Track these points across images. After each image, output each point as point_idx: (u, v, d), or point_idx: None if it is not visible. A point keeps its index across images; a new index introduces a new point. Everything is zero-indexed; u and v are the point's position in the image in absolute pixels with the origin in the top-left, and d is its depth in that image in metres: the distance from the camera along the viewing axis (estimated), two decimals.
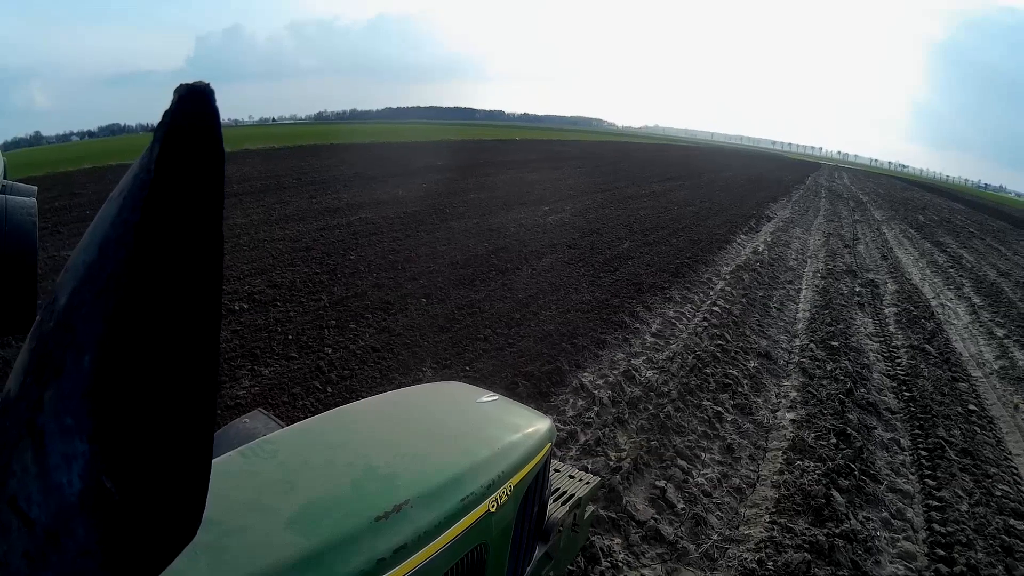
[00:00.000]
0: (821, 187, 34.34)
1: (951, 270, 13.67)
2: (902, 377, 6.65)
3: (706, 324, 7.20)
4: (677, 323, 7.32)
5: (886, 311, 9.41)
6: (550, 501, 2.19)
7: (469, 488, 1.48)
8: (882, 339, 7.95)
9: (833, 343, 7.15)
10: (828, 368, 6.41)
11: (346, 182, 16.65)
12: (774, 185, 29.70)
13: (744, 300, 8.52)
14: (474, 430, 1.84)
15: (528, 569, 1.92)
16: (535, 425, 1.92)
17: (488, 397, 2.05)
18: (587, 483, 2.51)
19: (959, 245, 17.96)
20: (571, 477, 2.54)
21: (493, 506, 1.53)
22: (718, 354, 6.35)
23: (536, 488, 1.87)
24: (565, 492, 2.39)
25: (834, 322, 8.12)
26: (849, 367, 6.50)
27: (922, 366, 6.98)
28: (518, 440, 1.78)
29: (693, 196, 20.66)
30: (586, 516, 2.49)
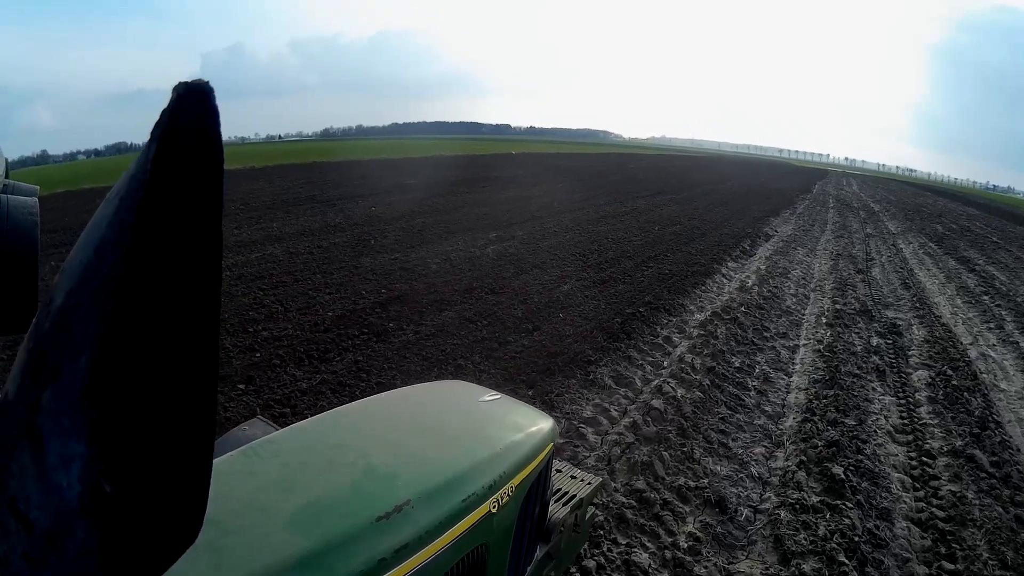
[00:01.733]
0: (829, 196, 31.46)
1: (985, 297, 10.87)
2: (941, 526, 3.98)
3: (633, 438, 4.49)
4: (587, 435, 4.62)
5: (915, 378, 6.66)
6: (552, 501, 2.12)
7: (470, 488, 1.44)
8: (910, 441, 5.22)
9: (835, 468, 4.39)
10: (822, 529, 3.71)
11: (289, 207, 14.51)
12: (776, 196, 26.89)
13: (709, 378, 5.83)
14: (476, 429, 1.78)
15: (529, 569, 1.87)
16: (537, 425, 1.86)
17: (490, 396, 1.99)
18: (589, 483, 2.40)
19: (987, 260, 15.11)
20: (573, 477, 2.43)
21: (494, 506, 1.50)
22: (630, 513, 3.67)
23: (538, 488, 1.81)
24: (567, 492, 2.30)
25: (841, 412, 5.40)
26: (858, 523, 3.80)
27: (972, 498, 4.30)
28: (520, 440, 1.73)
29: (682, 212, 17.97)
30: (587, 517, 2.41)
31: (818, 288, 10.28)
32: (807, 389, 5.96)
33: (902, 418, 5.65)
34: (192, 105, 0.40)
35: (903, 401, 6.00)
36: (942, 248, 16.60)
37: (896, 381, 6.50)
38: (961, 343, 8.02)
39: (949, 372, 6.76)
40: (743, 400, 5.61)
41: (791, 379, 6.29)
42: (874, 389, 6.23)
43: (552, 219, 14.81)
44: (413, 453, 1.56)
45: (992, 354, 7.88)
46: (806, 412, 5.41)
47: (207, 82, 0.41)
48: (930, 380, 6.58)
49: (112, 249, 0.40)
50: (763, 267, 11.15)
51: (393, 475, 1.43)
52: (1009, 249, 17.70)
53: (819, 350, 7.03)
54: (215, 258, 0.43)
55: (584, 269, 9.82)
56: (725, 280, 10.18)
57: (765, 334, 7.46)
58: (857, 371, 6.54)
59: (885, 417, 5.63)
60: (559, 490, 2.32)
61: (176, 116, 0.40)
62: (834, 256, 13.40)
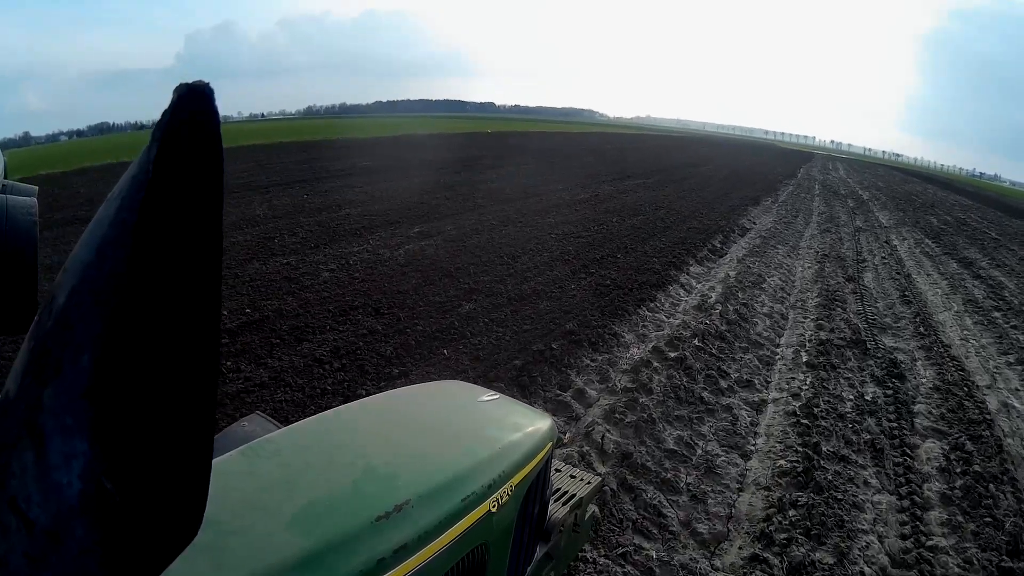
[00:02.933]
0: (815, 181, 29.42)
1: (997, 314, 8.91)
2: None
3: None
4: None
5: (922, 457, 4.67)
6: (551, 501, 2.09)
7: (470, 488, 1.43)
8: None
9: None
10: None
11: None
12: (759, 181, 24.80)
13: (622, 469, 3.80)
14: (475, 429, 1.75)
15: (529, 569, 1.85)
16: (536, 424, 1.84)
17: (489, 396, 1.97)
18: (588, 483, 2.37)
19: (990, 262, 13.15)
20: (572, 477, 2.40)
21: (494, 506, 1.48)
22: None
23: (537, 488, 1.80)
24: (566, 492, 2.26)
25: (815, 539, 3.43)
26: None
27: None
28: (519, 440, 1.71)
29: (648, 200, 15.84)
30: (587, 516, 2.38)
31: (799, 304, 8.24)
32: (768, 489, 3.94)
33: (903, 538, 3.66)
34: (192, 106, 0.40)
35: (906, 505, 4.00)
36: (940, 246, 14.64)
37: (897, 465, 4.48)
38: (978, 388, 6.04)
39: (967, 444, 4.78)
40: (664, 516, 3.55)
41: (747, 467, 4.25)
42: (866, 483, 4.21)
43: (494, 209, 12.64)
44: (413, 453, 1.52)
45: (1017, 404, 5.91)
46: (759, 540, 3.39)
47: (207, 83, 0.41)
48: (942, 460, 4.59)
49: (114, 248, 0.40)
50: (733, 274, 9.09)
51: (393, 475, 1.40)
52: (1011, 248, 15.76)
53: (793, 412, 4.98)
54: (215, 257, 0.43)
55: (504, 279, 7.69)
56: (682, 293, 8.11)
57: (721, 383, 5.40)
58: (845, 451, 4.52)
59: (880, 539, 3.62)
60: (558, 490, 2.25)
61: (177, 117, 0.40)
62: (820, 257, 11.37)
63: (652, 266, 8.91)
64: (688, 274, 8.99)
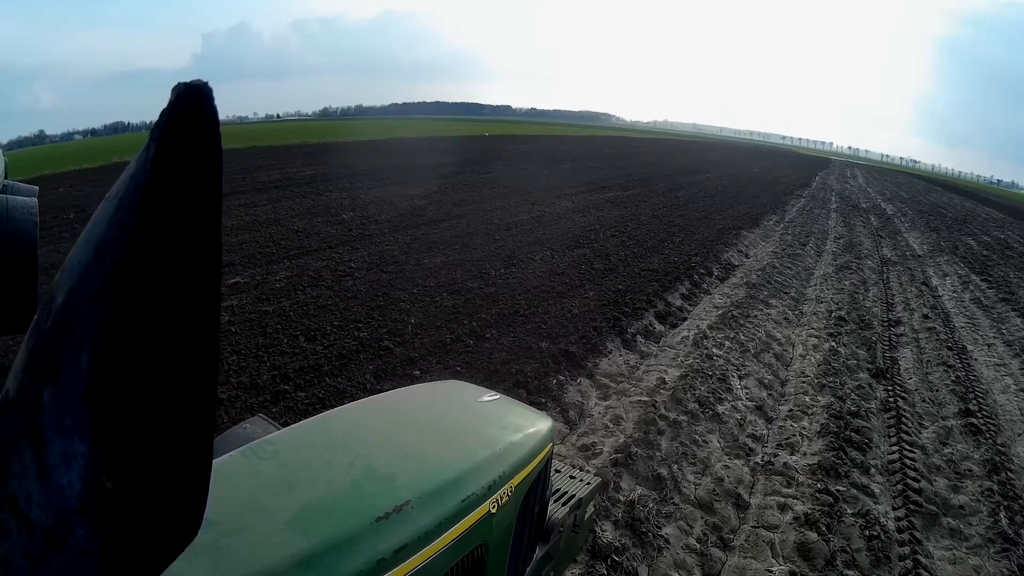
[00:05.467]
0: (831, 192, 25.15)
1: None
2: None
3: None
4: None
5: None
6: (551, 501, 2.02)
7: (470, 488, 1.38)
8: None
9: None
10: None
11: None
12: (764, 193, 20.64)
13: None
14: (475, 430, 1.69)
15: (528, 569, 1.79)
16: (536, 425, 1.77)
17: (489, 397, 1.90)
18: (588, 483, 2.30)
19: None
20: (572, 478, 2.33)
21: (494, 506, 1.44)
22: None
23: (537, 488, 1.74)
24: (566, 492, 2.20)
25: None
26: None
27: None
28: (519, 440, 1.66)
29: (611, 222, 11.97)
30: (587, 516, 2.31)
31: (782, 469, 4.28)
32: None
33: None
34: (191, 105, 0.39)
35: None
36: (992, 286, 10.52)
37: None
38: None
39: None
40: None
41: None
42: None
43: (390, 238, 8.96)
44: (413, 453, 1.48)
45: None
46: None
47: (206, 83, 0.40)
48: None
49: (112, 248, 0.39)
50: (674, 375, 5.19)
51: (392, 475, 1.36)
52: None
53: None
54: (214, 257, 0.42)
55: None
56: (585, 420, 4.27)
57: None
58: None
59: None
60: (558, 490, 2.19)
61: (175, 116, 0.39)
62: (834, 322, 7.40)
63: (525, 368, 5.03)
64: (591, 378, 5.11)
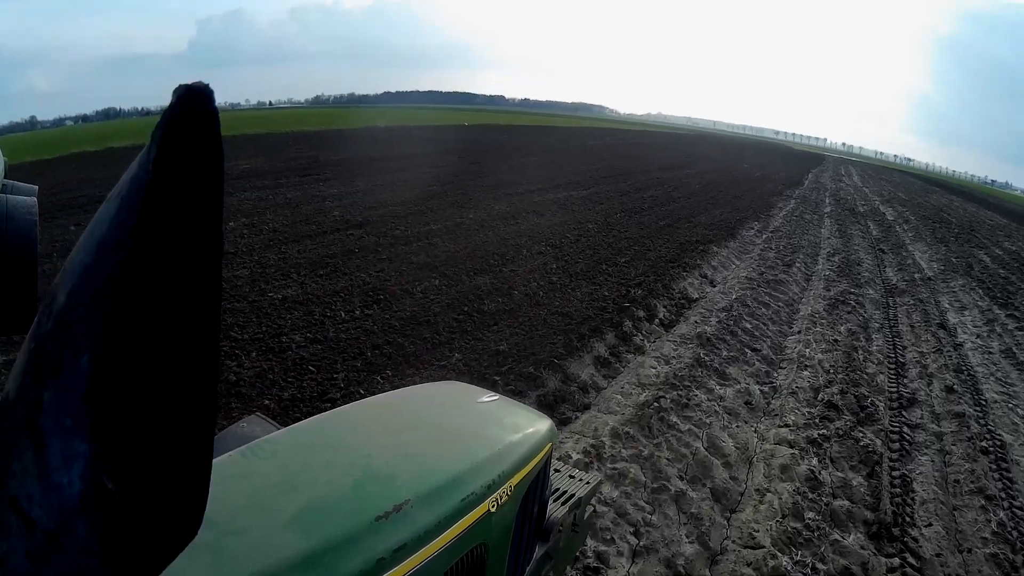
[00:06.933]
0: (824, 193, 22.60)
1: None
2: None
3: None
4: None
5: None
6: (550, 501, 1.96)
7: (469, 488, 1.34)
8: None
9: None
10: None
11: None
12: (748, 193, 18.05)
13: None
14: (474, 430, 1.66)
15: (528, 569, 1.76)
16: (536, 425, 1.74)
17: (488, 397, 1.86)
18: (587, 483, 2.24)
19: None
20: (571, 477, 2.27)
21: (493, 506, 1.40)
22: None
23: (536, 488, 1.70)
24: (565, 492, 2.14)
25: None
26: None
27: None
28: (519, 440, 1.63)
29: (548, 232, 9.41)
30: (586, 516, 2.27)
31: None
32: None
33: None
34: (192, 106, 0.39)
35: None
36: (1021, 324, 8.07)
37: None
38: None
39: None
40: None
41: None
42: None
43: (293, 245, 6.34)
44: (412, 453, 1.46)
45: None
46: None
47: (207, 84, 0.40)
48: None
49: (113, 249, 0.39)
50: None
51: (392, 475, 1.34)
52: None
53: None
54: (216, 258, 0.42)
55: None
56: None
57: None
58: None
59: None
60: (557, 490, 2.13)
61: (177, 117, 0.39)
62: (819, 410, 4.89)
63: None
64: None
